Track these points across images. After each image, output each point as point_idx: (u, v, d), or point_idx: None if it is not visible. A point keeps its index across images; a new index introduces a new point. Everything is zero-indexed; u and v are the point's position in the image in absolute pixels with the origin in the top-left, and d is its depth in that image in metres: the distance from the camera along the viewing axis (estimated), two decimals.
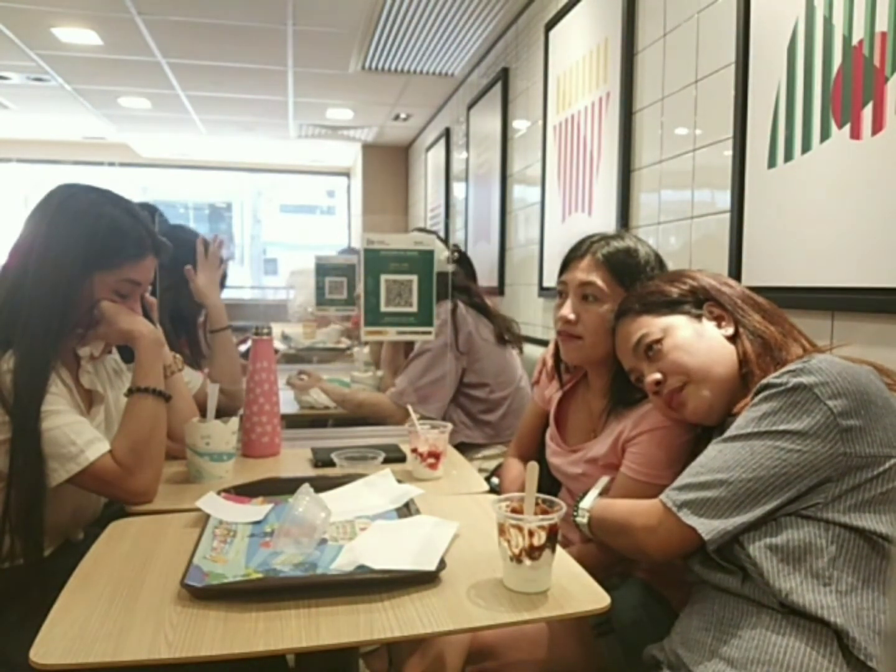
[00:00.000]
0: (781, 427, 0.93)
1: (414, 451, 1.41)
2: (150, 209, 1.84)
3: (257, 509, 1.16)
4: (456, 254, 2.39)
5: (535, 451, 1.55)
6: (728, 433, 0.99)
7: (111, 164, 7.12)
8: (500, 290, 3.64)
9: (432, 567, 0.91)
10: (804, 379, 0.93)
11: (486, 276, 3.56)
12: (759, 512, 0.93)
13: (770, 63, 1.55)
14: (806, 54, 1.45)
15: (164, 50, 3.95)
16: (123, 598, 0.87)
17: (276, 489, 1.23)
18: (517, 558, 0.89)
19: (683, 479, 1.00)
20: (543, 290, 2.99)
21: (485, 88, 3.86)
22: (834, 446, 0.90)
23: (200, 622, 0.82)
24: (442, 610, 0.85)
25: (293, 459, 1.54)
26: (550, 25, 2.85)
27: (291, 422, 2.13)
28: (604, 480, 1.20)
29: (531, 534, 0.88)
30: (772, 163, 1.55)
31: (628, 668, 1.16)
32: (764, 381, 0.98)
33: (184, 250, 1.84)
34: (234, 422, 1.36)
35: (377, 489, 1.23)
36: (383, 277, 1.66)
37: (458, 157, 4.62)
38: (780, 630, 0.90)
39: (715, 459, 0.97)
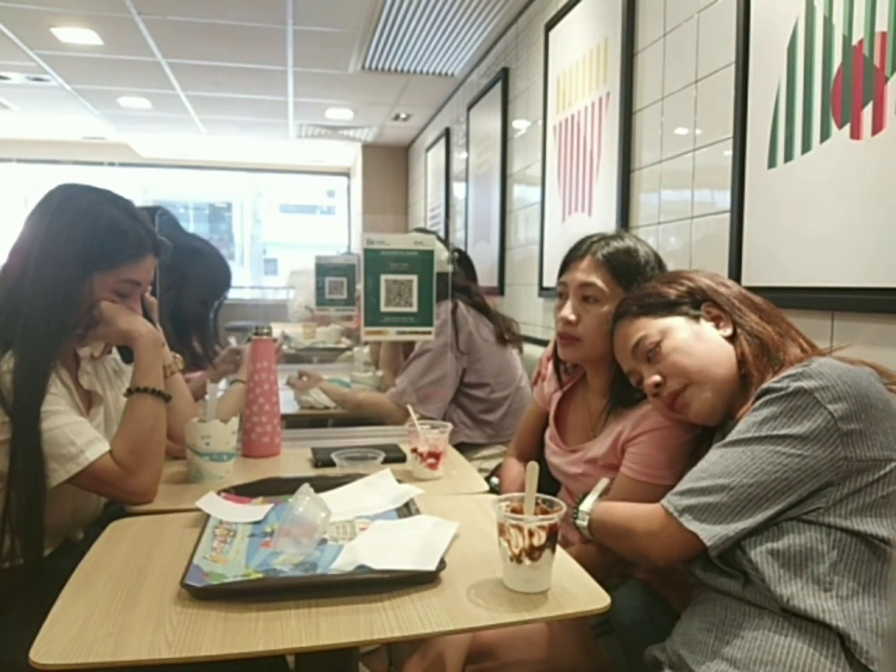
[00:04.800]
0: (782, 432, 0.92)
1: (414, 451, 1.41)
2: (162, 211, 1.87)
3: (257, 509, 1.16)
4: (456, 254, 2.39)
5: (534, 451, 1.55)
6: (729, 438, 0.99)
7: (111, 164, 7.12)
8: (500, 290, 3.64)
9: (432, 567, 0.91)
10: (804, 383, 0.92)
11: (486, 276, 3.56)
12: (760, 517, 0.93)
13: (770, 63, 1.55)
14: (806, 54, 1.45)
15: (164, 50, 3.95)
16: (123, 598, 0.87)
17: (276, 489, 1.23)
18: (517, 558, 0.89)
19: (685, 483, 1.00)
20: (543, 290, 2.99)
21: (485, 88, 3.86)
22: (835, 450, 0.90)
23: (200, 622, 0.82)
24: (442, 610, 0.85)
25: (293, 459, 1.54)
26: (550, 25, 2.85)
27: (291, 422, 2.13)
28: (603, 482, 1.20)
29: (531, 534, 0.88)
30: (772, 163, 1.55)
31: (628, 668, 1.16)
32: (764, 385, 0.98)
33: (184, 252, 1.84)
34: (234, 422, 1.36)
35: (377, 489, 1.23)
36: (383, 277, 1.66)
37: (458, 157, 4.62)
38: (783, 631, 0.90)
39: (716, 464, 0.97)
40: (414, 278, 1.67)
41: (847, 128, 1.34)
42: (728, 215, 1.70)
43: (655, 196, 2.08)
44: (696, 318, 1.13)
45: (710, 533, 0.94)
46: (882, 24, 1.26)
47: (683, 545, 0.97)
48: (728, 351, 1.09)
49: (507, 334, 2.25)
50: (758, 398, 0.98)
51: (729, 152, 1.69)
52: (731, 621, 0.95)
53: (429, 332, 1.72)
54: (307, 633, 0.80)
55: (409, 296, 1.67)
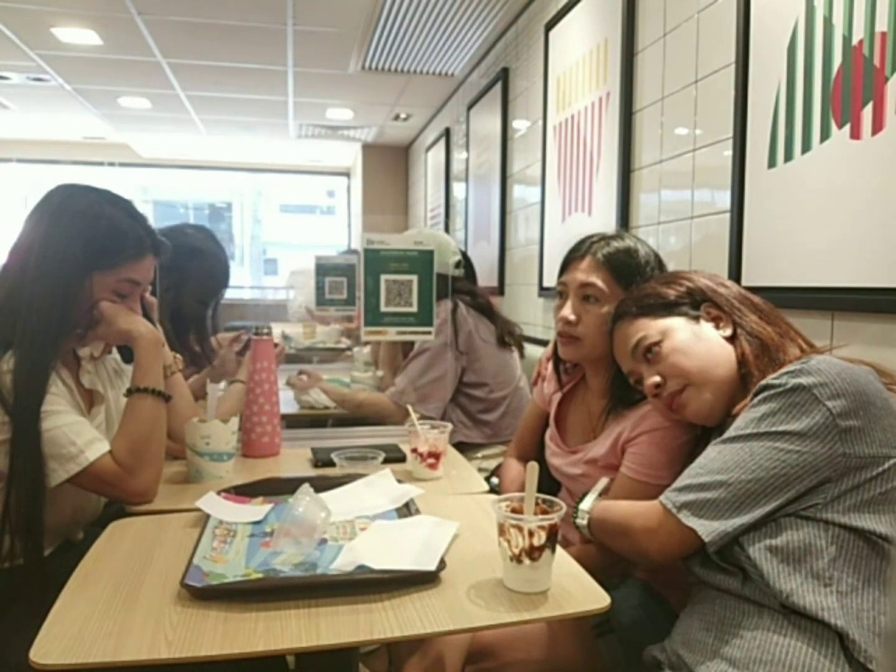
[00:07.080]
0: (780, 428, 0.92)
1: (414, 451, 1.41)
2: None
3: (257, 509, 1.16)
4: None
5: (534, 451, 1.55)
6: (727, 434, 0.99)
7: (111, 164, 7.12)
8: (500, 290, 3.64)
9: (432, 567, 0.91)
10: (803, 380, 0.92)
11: (486, 276, 3.56)
12: (758, 513, 0.93)
13: (770, 63, 1.55)
14: (806, 54, 1.45)
15: (164, 50, 3.95)
16: (123, 598, 0.87)
17: (276, 489, 1.23)
18: (517, 558, 0.89)
19: (683, 480, 1.00)
20: (543, 290, 2.99)
21: (485, 88, 3.86)
22: (833, 447, 0.90)
23: (200, 622, 0.82)
24: (442, 610, 0.85)
25: (293, 459, 1.54)
26: (550, 25, 2.85)
27: (291, 422, 2.13)
28: (603, 482, 1.20)
29: (531, 534, 0.88)
30: (772, 163, 1.55)
31: (628, 668, 1.16)
32: (763, 382, 0.98)
33: (183, 252, 1.85)
34: (234, 422, 1.37)
35: (377, 489, 1.23)
36: (383, 277, 1.66)
37: (458, 157, 4.62)
38: (782, 630, 0.90)
39: (714, 461, 0.97)
40: (414, 278, 1.67)
41: (847, 128, 1.34)
42: (728, 215, 1.70)
43: (655, 196, 2.08)
44: (696, 318, 1.13)
45: (708, 529, 0.94)
46: (882, 24, 1.26)
47: (682, 541, 0.97)
48: (728, 351, 1.09)
49: (508, 338, 2.25)
50: (756, 394, 0.98)
51: (729, 152, 1.69)
52: (731, 620, 0.95)
53: (429, 332, 1.72)
54: (307, 633, 0.80)
55: (409, 296, 1.67)
